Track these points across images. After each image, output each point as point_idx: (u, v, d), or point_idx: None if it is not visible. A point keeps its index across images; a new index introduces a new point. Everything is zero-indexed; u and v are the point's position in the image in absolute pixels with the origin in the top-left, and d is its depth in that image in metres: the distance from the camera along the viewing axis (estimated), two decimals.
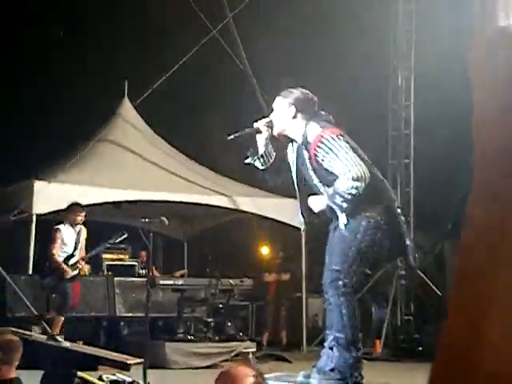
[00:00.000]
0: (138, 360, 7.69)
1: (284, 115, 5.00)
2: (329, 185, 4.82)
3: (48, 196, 9.63)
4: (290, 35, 13.59)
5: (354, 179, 4.63)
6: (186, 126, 13.93)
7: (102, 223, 12.56)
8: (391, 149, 13.22)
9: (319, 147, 4.76)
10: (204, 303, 10.47)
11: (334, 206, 4.76)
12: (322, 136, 4.76)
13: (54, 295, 9.02)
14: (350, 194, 4.66)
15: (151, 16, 13.88)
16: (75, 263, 8.89)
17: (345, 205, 4.71)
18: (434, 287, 12.94)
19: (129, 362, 7.88)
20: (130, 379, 7.05)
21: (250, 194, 11.15)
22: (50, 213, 9.54)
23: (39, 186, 9.69)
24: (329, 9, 13.06)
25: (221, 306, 10.47)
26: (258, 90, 11.97)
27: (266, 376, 4.14)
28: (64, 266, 8.79)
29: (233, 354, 9.77)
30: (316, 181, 4.92)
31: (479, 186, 0.68)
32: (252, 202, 10.97)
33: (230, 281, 10.56)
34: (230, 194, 10.91)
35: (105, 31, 13.85)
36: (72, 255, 8.91)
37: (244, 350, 9.96)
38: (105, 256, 11.78)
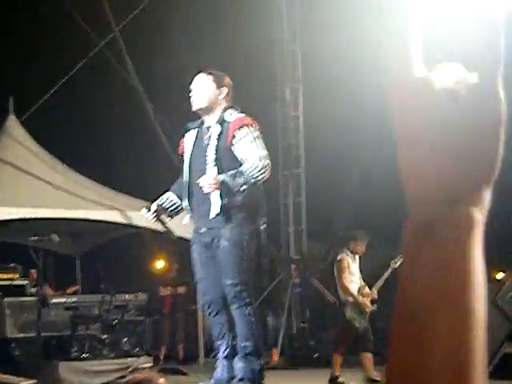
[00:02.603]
0: (31, 381, 7.53)
1: (212, 93, 5.08)
2: (223, 169, 4.90)
3: None
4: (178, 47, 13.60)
5: (263, 165, 4.81)
6: (77, 141, 13.72)
7: None
8: (282, 159, 13.40)
9: (240, 129, 4.90)
10: (98, 320, 10.31)
11: (222, 196, 4.79)
12: (244, 120, 4.92)
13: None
14: (253, 176, 4.78)
15: (39, 30, 13.64)
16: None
17: (240, 192, 4.78)
18: (327, 294, 13.17)
19: (21, 383, 7.70)
20: None
21: (141, 207, 11.05)
22: None
23: None
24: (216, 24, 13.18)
25: (115, 322, 10.34)
26: (146, 102, 11.91)
27: None
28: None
29: (129, 370, 9.66)
30: (211, 163, 4.96)
31: (411, 226, 0.71)
32: (144, 216, 10.87)
33: (124, 296, 10.46)
34: (122, 208, 10.79)
35: None
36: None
37: (140, 366, 9.86)
38: None
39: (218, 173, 4.89)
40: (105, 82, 13.60)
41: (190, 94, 5.10)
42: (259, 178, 4.83)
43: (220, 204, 4.84)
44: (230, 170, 4.87)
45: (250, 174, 4.82)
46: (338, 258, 8.44)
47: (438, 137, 0.67)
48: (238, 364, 4.94)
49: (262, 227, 5.02)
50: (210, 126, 5.09)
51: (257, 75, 13.58)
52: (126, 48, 11.72)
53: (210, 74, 5.13)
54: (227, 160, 4.92)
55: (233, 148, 4.93)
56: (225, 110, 5.05)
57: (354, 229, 9.18)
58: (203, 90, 5.06)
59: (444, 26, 0.75)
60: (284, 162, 13.42)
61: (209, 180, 4.79)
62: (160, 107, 12.10)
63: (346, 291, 8.27)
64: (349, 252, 8.40)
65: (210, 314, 5.08)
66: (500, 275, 11.45)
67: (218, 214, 4.83)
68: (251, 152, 4.88)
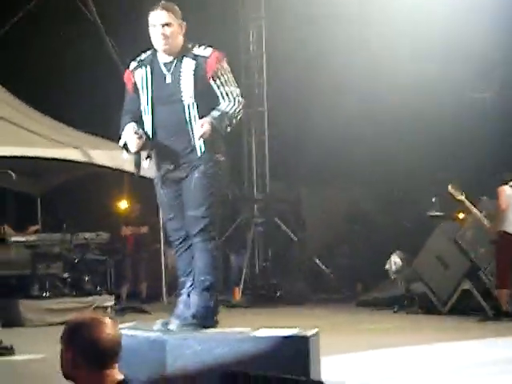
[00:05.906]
0: None
1: (177, 33, 4.75)
2: (200, 105, 4.71)
3: None
4: None
5: (241, 102, 4.67)
6: (34, 77, 13.40)
7: None
8: (245, 98, 13.22)
9: (219, 63, 4.71)
10: (59, 259, 10.23)
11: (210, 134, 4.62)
12: (221, 55, 4.73)
13: None
14: (235, 116, 4.68)
15: None
16: None
17: (228, 129, 4.66)
18: (290, 233, 13.19)
19: None
20: None
21: (103, 146, 10.89)
22: None
23: None
24: None
25: (76, 260, 10.28)
26: (105, 35, 11.63)
27: (122, 326, 4.06)
28: None
29: (91, 309, 9.64)
30: (188, 100, 4.74)
31: None
32: (106, 155, 10.72)
33: (85, 235, 10.37)
34: (82, 146, 10.63)
35: None
36: None
37: (102, 304, 9.85)
38: None
39: (197, 109, 4.71)
40: (62, 15, 13.26)
41: (155, 33, 4.81)
42: (239, 116, 4.73)
43: (204, 145, 4.70)
44: (206, 106, 4.72)
45: (233, 114, 4.70)
46: None
47: None
48: (193, 299, 4.86)
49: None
50: (171, 62, 4.87)
51: (220, 12, 13.35)
52: None
53: (167, 10, 4.84)
54: (204, 96, 4.76)
55: (212, 83, 4.75)
56: (184, 43, 4.85)
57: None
58: (170, 31, 4.79)
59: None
60: (247, 100, 13.26)
61: (205, 126, 4.63)
62: (119, 40, 11.83)
63: None
64: None
65: (180, 249, 4.99)
66: (461, 215, 11.57)
67: (201, 153, 4.70)
68: (231, 88, 4.74)
